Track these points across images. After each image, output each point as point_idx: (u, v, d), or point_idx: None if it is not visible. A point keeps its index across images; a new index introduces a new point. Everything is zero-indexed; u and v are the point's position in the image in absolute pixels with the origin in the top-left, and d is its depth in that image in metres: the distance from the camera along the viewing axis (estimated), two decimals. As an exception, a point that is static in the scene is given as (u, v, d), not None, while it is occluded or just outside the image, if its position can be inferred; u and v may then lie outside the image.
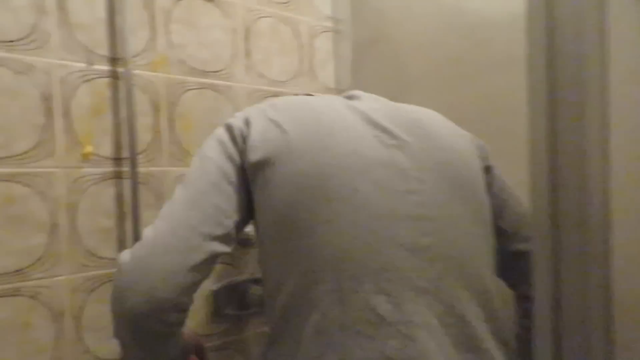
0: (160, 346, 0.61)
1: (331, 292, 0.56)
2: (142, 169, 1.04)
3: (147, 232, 0.61)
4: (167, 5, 1.10)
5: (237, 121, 0.68)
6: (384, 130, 0.66)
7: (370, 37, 1.40)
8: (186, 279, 0.58)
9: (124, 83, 1.00)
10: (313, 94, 1.22)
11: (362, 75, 1.44)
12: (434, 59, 1.21)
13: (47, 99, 0.92)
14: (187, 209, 0.61)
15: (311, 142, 0.63)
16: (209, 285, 1.15)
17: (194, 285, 0.60)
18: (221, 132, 0.68)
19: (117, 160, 1.02)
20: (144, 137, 1.06)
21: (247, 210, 0.66)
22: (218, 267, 1.04)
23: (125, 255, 0.60)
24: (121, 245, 1.02)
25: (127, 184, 1.02)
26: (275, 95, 1.31)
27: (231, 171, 0.64)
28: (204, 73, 1.16)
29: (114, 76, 1.01)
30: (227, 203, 0.63)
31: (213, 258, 0.61)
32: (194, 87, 1.14)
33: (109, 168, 1.01)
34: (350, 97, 0.76)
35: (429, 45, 1.22)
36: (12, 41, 0.88)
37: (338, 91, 1.46)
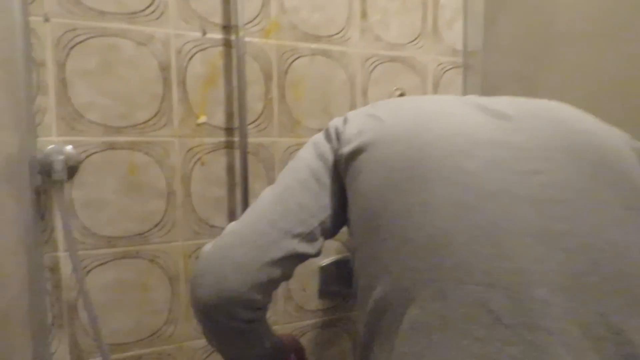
0: (236, 341, 0.61)
1: (430, 283, 0.49)
2: (252, 139, 1.06)
3: (230, 225, 0.62)
4: (280, -34, 1.07)
5: (334, 121, 0.68)
6: (501, 115, 0.58)
7: (508, -12, 1.23)
8: (259, 274, 0.56)
9: (236, 51, 1.01)
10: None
11: (497, 35, 1.27)
12: (593, 6, 1.01)
13: (164, 69, 0.97)
14: (270, 204, 0.61)
15: (409, 125, 0.58)
16: (317, 260, 1.15)
17: (269, 283, 0.58)
18: (317, 135, 0.69)
19: (229, 130, 1.05)
20: (255, 106, 1.07)
21: (338, 211, 0.63)
22: (327, 242, 1.02)
23: (207, 246, 0.61)
24: (231, 215, 1.06)
25: (237, 154, 1.04)
26: (393, 60, 1.22)
27: (321, 170, 0.63)
28: (317, 38, 1.12)
29: (227, 44, 1.03)
30: (313, 201, 0.61)
31: (292, 257, 0.59)
32: (306, 54, 1.11)
33: (220, 138, 1.04)
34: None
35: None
36: (134, 13, 0.94)
37: (466, 54, 1.32)
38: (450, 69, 1.31)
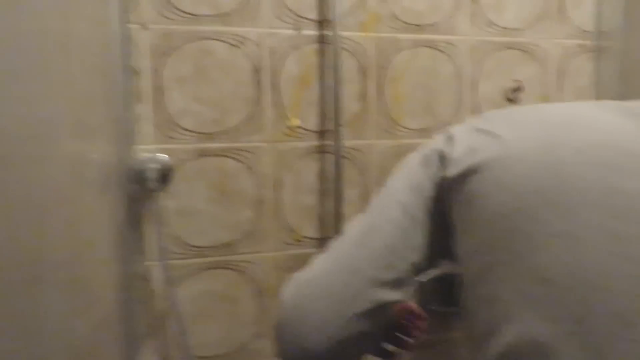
0: None
1: (577, 337, 0.41)
2: (347, 142, 1.03)
3: (314, 264, 0.57)
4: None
5: (434, 141, 0.60)
6: None
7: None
8: (344, 331, 0.51)
9: (332, 47, 0.97)
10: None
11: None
12: None
13: (257, 71, 0.97)
14: (355, 246, 0.55)
15: (536, 140, 0.49)
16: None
17: (356, 340, 0.53)
18: (412, 158, 0.61)
19: (322, 133, 1.03)
20: (350, 107, 1.03)
21: (435, 249, 0.56)
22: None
23: (288, 290, 0.56)
24: (322, 225, 1.04)
25: (330, 159, 1.01)
26: (509, 47, 1.10)
27: (415, 203, 0.56)
28: (420, 28, 1.05)
29: (322, 41, 1.01)
30: (404, 242, 0.54)
31: (380, 308, 0.53)
32: (408, 46, 1.05)
33: (313, 142, 1.02)
34: None
35: None
36: (227, 14, 0.94)
37: (600, 35, 1.15)
38: (579, 54, 1.17)
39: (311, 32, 0.99)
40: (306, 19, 0.99)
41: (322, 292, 0.53)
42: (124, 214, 0.85)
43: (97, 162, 0.75)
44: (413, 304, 0.78)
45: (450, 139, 0.58)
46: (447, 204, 0.56)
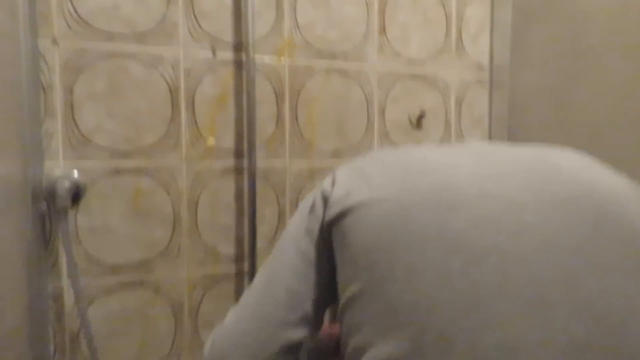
0: None
1: (412, 356, 0.47)
2: (262, 163, 1.07)
3: (228, 318, 0.63)
4: (295, -17, 1.10)
5: (322, 184, 0.67)
6: (494, 163, 0.58)
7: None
8: None
9: (247, 71, 1.03)
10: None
11: (525, 48, 1.26)
12: (625, 19, 0.99)
13: (173, 91, 1.00)
14: (260, 294, 0.62)
15: (397, 184, 0.58)
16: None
17: None
18: (306, 201, 0.69)
19: (238, 153, 1.07)
20: (266, 128, 1.08)
21: (331, 284, 0.63)
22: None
23: (208, 346, 0.62)
24: (238, 244, 1.07)
25: (246, 179, 1.06)
26: (413, 77, 1.22)
27: (308, 246, 0.64)
28: (332, 55, 1.14)
29: (238, 64, 1.05)
30: (302, 283, 0.61)
31: (292, 345, 0.60)
32: (320, 72, 1.13)
33: (230, 161, 1.06)
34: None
35: (622, 2, 1.01)
36: (143, 33, 0.97)
37: (493, 69, 1.31)
38: (475, 86, 1.31)
39: (227, 54, 1.04)
40: (223, 41, 1.03)
41: (237, 341, 0.59)
42: (33, 232, 0.84)
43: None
44: (337, 329, 0.85)
45: (333, 182, 0.65)
46: (331, 242, 0.62)
